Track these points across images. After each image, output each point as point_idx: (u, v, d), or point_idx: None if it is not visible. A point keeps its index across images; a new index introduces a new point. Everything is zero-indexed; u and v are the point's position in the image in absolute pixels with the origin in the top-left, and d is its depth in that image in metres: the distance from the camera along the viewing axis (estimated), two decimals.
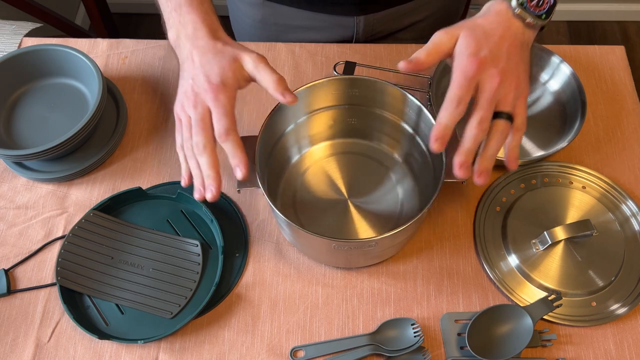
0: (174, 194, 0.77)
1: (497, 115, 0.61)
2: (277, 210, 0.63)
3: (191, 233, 0.76)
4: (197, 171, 0.64)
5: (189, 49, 0.64)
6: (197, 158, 0.63)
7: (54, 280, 0.72)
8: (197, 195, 0.64)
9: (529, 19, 0.61)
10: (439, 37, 0.61)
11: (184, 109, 0.63)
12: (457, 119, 0.59)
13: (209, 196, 0.63)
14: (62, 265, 0.72)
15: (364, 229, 0.75)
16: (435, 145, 0.59)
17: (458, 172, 0.61)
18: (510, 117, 0.61)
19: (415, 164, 0.77)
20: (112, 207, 0.77)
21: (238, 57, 0.64)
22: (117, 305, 0.72)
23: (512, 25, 0.61)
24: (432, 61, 0.61)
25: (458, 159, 0.60)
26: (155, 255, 0.74)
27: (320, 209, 0.77)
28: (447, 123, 0.59)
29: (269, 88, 0.63)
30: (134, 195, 0.78)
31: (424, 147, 0.74)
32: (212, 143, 0.62)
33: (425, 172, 0.75)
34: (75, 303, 0.72)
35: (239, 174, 0.62)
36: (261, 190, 0.65)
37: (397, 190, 0.78)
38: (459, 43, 0.60)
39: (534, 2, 0.61)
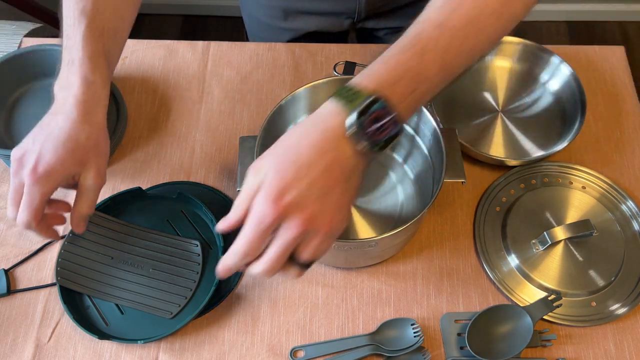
0: (174, 194, 0.77)
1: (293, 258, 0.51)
2: None
3: (191, 233, 0.76)
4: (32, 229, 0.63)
5: (57, 110, 0.62)
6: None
7: (54, 280, 0.72)
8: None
9: (363, 146, 0.49)
10: (242, 192, 0.50)
11: (13, 161, 0.61)
12: (244, 266, 0.51)
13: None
14: (62, 266, 0.72)
15: (364, 229, 0.75)
16: (218, 274, 0.52)
17: (218, 271, 0.52)
18: (309, 265, 0.51)
19: (415, 164, 0.77)
20: (112, 207, 0.77)
21: (85, 163, 0.62)
22: (117, 305, 0.72)
23: (339, 153, 0.48)
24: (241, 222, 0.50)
25: (221, 264, 0.51)
26: (155, 255, 0.74)
27: None
28: (232, 267, 0.50)
29: (73, 210, 0.63)
30: (134, 196, 0.78)
31: (424, 147, 0.74)
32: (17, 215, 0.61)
33: (425, 172, 0.75)
34: (75, 303, 0.72)
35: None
36: None
37: (397, 190, 0.78)
38: (265, 177, 0.48)
39: (374, 127, 0.48)
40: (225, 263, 0.50)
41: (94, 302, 0.72)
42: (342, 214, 0.50)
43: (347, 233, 0.75)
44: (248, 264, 0.50)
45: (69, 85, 0.62)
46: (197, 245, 0.74)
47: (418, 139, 0.75)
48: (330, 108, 0.49)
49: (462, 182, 0.66)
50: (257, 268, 0.50)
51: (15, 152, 0.61)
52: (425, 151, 0.74)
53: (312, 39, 0.95)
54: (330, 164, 0.48)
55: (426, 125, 0.71)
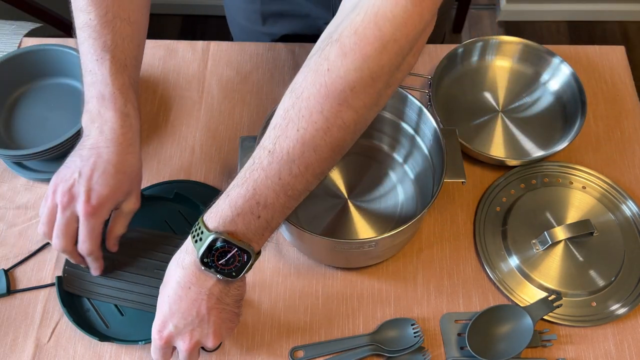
0: (171, 195, 0.77)
1: None
2: None
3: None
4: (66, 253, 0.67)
5: (95, 142, 0.63)
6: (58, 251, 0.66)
7: (54, 281, 0.72)
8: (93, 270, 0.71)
9: (219, 277, 0.55)
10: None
11: (56, 193, 0.63)
12: None
13: (94, 272, 0.70)
14: (69, 272, 0.72)
15: (364, 229, 0.75)
16: None
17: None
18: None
19: (415, 164, 0.77)
20: None
21: (129, 192, 0.66)
22: (116, 306, 0.72)
23: (202, 284, 0.55)
24: None
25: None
26: (159, 256, 0.74)
27: (320, 209, 0.77)
28: None
29: (109, 232, 0.68)
30: None
31: (424, 147, 0.74)
32: (72, 247, 0.65)
33: (425, 172, 0.75)
34: (75, 306, 0.71)
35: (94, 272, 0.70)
36: None
37: (397, 190, 0.78)
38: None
39: (221, 261, 0.54)
40: None
41: (93, 305, 0.72)
42: (226, 325, 0.59)
43: (347, 233, 0.75)
44: None
45: (104, 120, 0.64)
46: None
47: (418, 139, 0.75)
48: (187, 247, 0.56)
49: (462, 182, 0.67)
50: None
51: (58, 181, 0.63)
52: (426, 151, 0.74)
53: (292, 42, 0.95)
54: (196, 296, 0.56)
55: (426, 125, 0.71)
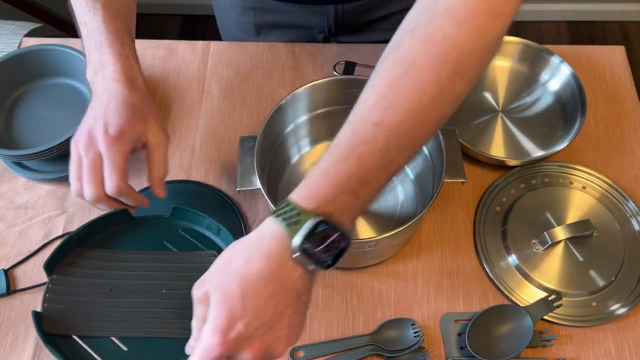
0: (168, 212, 0.71)
1: None
2: None
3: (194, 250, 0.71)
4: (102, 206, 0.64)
5: (102, 89, 0.63)
6: (91, 204, 0.63)
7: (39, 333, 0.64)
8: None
9: (311, 267, 0.47)
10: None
11: (77, 145, 0.62)
12: None
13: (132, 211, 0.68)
14: (49, 312, 0.65)
15: (364, 229, 0.75)
16: None
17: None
18: None
19: (415, 164, 0.77)
20: (92, 234, 0.71)
21: (147, 121, 0.63)
22: (118, 340, 0.65)
23: (287, 277, 0.47)
24: None
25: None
26: (166, 276, 0.69)
27: None
28: None
29: (151, 174, 0.64)
30: (119, 219, 0.71)
31: (424, 147, 0.74)
32: (102, 191, 0.61)
33: (425, 172, 0.75)
34: (62, 347, 0.64)
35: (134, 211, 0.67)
36: (261, 190, 0.65)
37: (397, 191, 0.78)
38: (211, 309, 0.47)
39: (321, 247, 0.46)
40: None
41: (86, 343, 0.65)
42: (295, 331, 0.49)
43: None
44: None
45: (104, 65, 0.63)
46: (215, 255, 0.69)
47: None
48: (273, 231, 0.47)
49: (462, 182, 0.66)
50: None
51: (78, 134, 0.62)
52: (426, 151, 0.74)
53: None
54: (277, 290, 0.47)
55: None
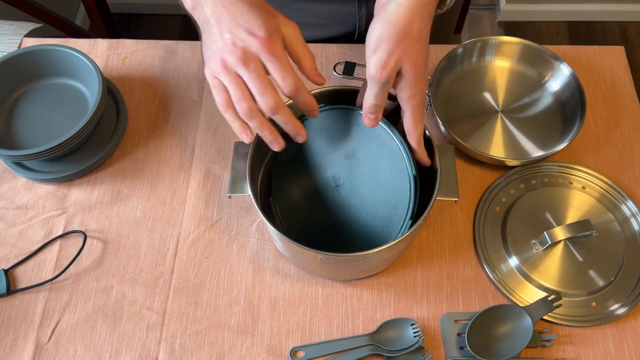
0: None
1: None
2: (266, 221, 0.62)
3: None
4: (265, 128, 0.60)
5: (214, 4, 0.58)
6: (271, 116, 0.59)
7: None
8: (277, 147, 0.61)
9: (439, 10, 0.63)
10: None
11: (226, 67, 0.57)
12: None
13: (301, 139, 0.62)
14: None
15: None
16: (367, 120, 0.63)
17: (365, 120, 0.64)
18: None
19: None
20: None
21: (275, 15, 0.59)
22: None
23: (424, 19, 0.61)
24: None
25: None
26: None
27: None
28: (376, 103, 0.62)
29: (303, 65, 0.60)
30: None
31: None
32: (281, 99, 0.58)
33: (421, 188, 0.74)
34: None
35: (301, 139, 0.63)
36: (250, 196, 0.64)
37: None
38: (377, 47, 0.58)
39: None
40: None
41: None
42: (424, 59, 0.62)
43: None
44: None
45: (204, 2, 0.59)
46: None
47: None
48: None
49: (455, 200, 0.65)
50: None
51: (216, 60, 0.58)
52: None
53: None
54: (424, 26, 0.62)
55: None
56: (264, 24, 0.57)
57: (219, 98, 0.59)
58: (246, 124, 0.60)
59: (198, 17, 0.60)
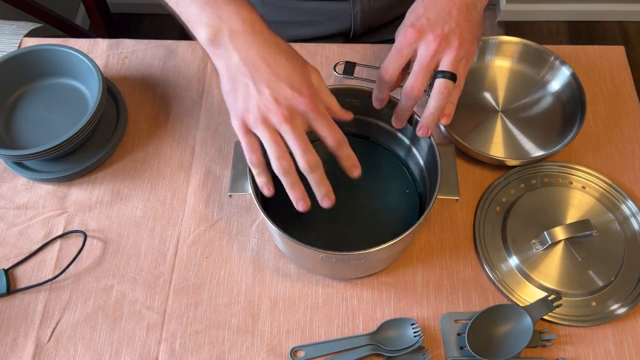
0: None
1: (439, 74, 0.62)
2: (267, 219, 0.62)
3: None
4: (297, 186, 0.58)
5: (244, 48, 0.55)
6: (307, 174, 0.57)
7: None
8: (302, 207, 0.59)
9: None
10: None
11: (267, 124, 0.55)
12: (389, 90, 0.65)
13: (327, 204, 0.59)
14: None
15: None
16: (376, 103, 0.67)
17: (393, 122, 0.68)
18: (453, 77, 0.62)
19: (411, 175, 0.77)
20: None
21: (304, 63, 0.58)
22: None
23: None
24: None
25: (394, 115, 0.67)
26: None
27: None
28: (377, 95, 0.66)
29: (332, 108, 0.60)
30: None
31: (420, 159, 0.73)
32: (319, 158, 0.57)
33: (420, 183, 0.74)
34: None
35: (327, 203, 0.60)
36: (251, 195, 0.64)
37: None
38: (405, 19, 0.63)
39: None
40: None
41: None
42: (471, 37, 0.63)
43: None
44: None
45: (228, 17, 0.56)
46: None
47: (414, 150, 0.74)
48: None
49: (456, 199, 0.65)
50: (405, 86, 0.63)
51: (251, 110, 0.55)
52: (422, 163, 0.73)
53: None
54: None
55: (424, 140, 0.70)
56: (306, 81, 0.56)
57: (252, 155, 0.58)
58: (270, 178, 0.60)
59: (220, 56, 0.57)
